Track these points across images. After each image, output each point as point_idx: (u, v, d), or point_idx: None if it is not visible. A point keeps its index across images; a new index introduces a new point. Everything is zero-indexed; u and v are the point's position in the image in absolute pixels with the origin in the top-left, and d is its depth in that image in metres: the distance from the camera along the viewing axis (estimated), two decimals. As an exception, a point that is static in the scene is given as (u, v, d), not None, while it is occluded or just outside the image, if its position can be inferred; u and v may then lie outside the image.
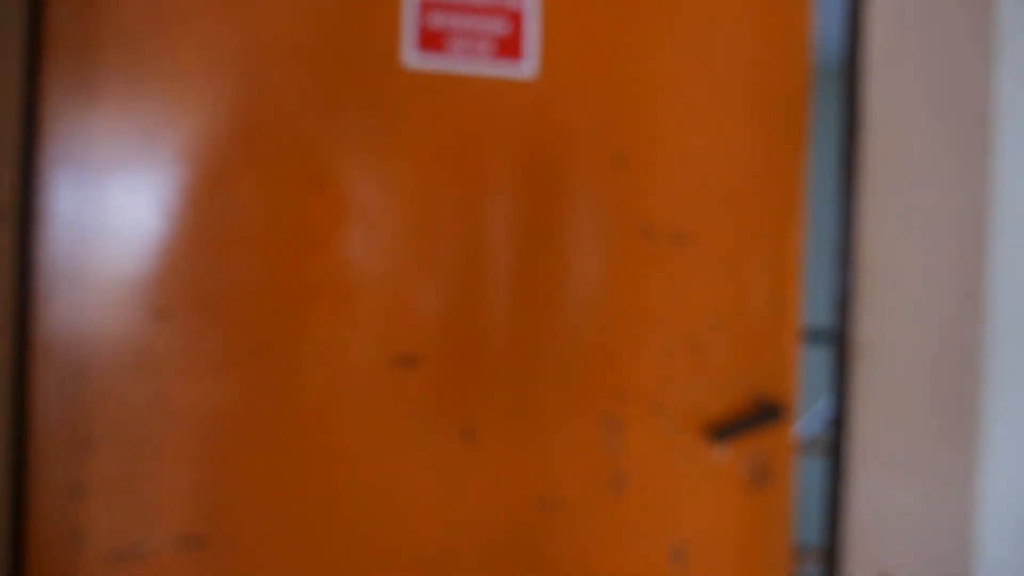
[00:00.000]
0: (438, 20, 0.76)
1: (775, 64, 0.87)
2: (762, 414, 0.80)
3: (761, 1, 0.86)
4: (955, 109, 0.90)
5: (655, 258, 0.82)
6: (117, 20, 0.70)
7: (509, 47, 0.77)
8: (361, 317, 0.75)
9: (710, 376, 0.83)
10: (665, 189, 0.82)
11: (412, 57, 0.75)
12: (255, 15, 0.72)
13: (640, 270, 0.81)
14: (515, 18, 0.77)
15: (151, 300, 0.71)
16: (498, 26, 0.77)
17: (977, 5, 0.90)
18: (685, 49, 0.83)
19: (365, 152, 0.74)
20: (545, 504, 0.79)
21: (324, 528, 0.76)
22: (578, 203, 0.79)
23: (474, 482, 0.78)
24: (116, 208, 0.71)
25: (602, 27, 0.80)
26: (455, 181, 0.76)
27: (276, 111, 0.72)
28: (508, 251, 0.77)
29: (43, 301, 0.70)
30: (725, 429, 0.81)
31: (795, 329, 0.86)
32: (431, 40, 0.75)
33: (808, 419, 1.88)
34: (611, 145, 0.80)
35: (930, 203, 0.91)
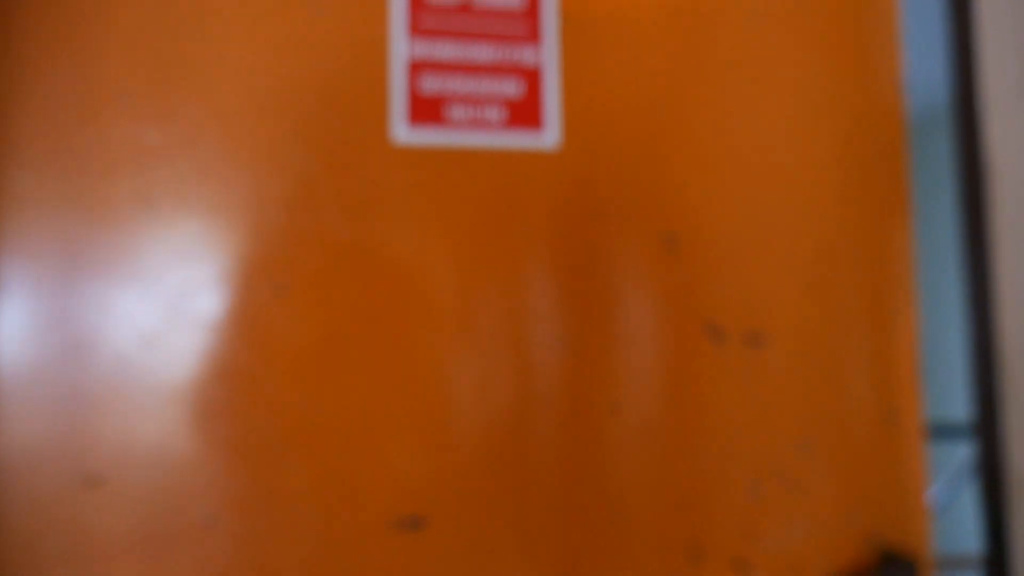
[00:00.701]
0: (432, 84, 0.60)
1: (862, 115, 0.69)
2: (888, 573, 0.60)
3: (840, 39, 0.69)
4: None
5: (726, 365, 0.63)
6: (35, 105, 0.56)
7: (525, 112, 0.61)
8: (348, 468, 0.57)
9: (809, 520, 0.63)
10: (731, 277, 0.64)
11: (402, 132, 0.59)
12: (222, 89, 0.57)
13: (707, 382, 0.62)
14: (531, 76, 0.61)
15: (79, 463, 0.55)
16: (510, 88, 0.61)
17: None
18: (748, 104, 0.65)
19: (347, 259, 0.58)
20: None
21: None
22: (623, 301, 0.62)
23: None
24: (33, 347, 0.55)
25: (640, 80, 0.63)
26: (468, 285, 0.59)
27: (238, 215, 0.57)
28: (542, 370, 0.60)
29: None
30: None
31: (919, 448, 0.66)
32: (425, 109, 0.59)
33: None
34: (660, 225, 0.62)
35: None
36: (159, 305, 0.55)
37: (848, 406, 0.66)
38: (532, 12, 0.62)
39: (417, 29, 0.60)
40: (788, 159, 0.66)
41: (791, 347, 0.65)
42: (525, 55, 0.61)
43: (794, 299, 0.65)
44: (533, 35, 0.62)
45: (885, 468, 0.66)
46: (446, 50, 0.60)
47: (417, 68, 0.60)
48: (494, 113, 0.60)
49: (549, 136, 0.61)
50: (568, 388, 0.60)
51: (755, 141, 0.66)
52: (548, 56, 0.62)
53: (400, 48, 0.60)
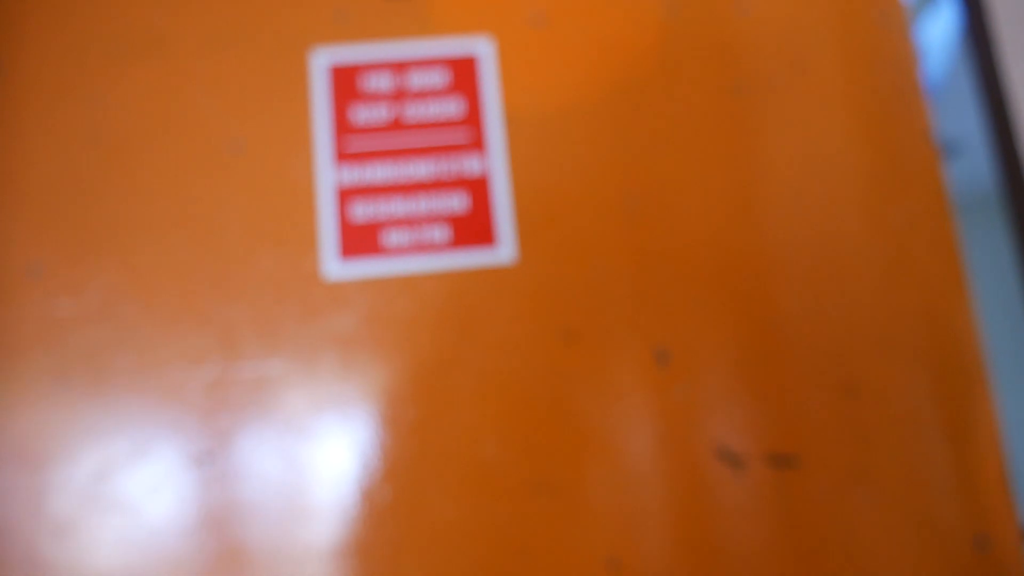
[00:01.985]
0: (364, 210, 0.54)
1: (892, 178, 0.58)
2: None
3: (853, 97, 0.59)
4: None
5: (745, 494, 0.51)
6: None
7: (473, 227, 0.54)
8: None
9: None
10: (741, 391, 0.53)
11: (333, 266, 0.53)
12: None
13: (724, 515, 0.51)
14: (477, 187, 0.55)
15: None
16: (454, 202, 0.54)
17: None
18: (741, 185, 0.56)
19: (285, 414, 0.51)
20: None
21: None
22: (612, 435, 0.52)
23: None
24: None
25: (602, 175, 0.55)
26: (425, 428, 0.51)
27: (158, 378, 0.51)
28: (519, 522, 0.50)
29: None
30: None
31: (1021, 579, 0.52)
32: (358, 239, 0.53)
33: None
34: (646, 341, 0.53)
35: None
36: (73, 490, 0.49)
37: (920, 534, 0.52)
38: (473, 118, 0.56)
39: (344, 154, 0.55)
40: (801, 244, 0.56)
41: (831, 468, 0.53)
42: (468, 165, 0.55)
43: (830, 408, 0.53)
44: (476, 142, 0.55)
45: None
46: (378, 172, 0.55)
47: (347, 195, 0.54)
48: (436, 233, 0.54)
49: (504, 250, 0.54)
50: (554, 543, 0.50)
51: (757, 230, 0.56)
52: (495, 163, 0.55)
53: (327, 177, 0.54)
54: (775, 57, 0.60)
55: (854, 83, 0.60)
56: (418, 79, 0.57)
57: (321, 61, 0.56)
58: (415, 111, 0.56)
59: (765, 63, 0.60)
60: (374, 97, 0.56)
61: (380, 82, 0.56)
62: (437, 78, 0.57)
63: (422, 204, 0.54)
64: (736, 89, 0.59)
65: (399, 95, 0.56)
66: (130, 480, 0.49)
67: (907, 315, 0.56)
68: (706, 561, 0.51)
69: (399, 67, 0.56)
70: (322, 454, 0.50)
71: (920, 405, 0.54)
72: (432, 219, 0.54)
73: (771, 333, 0.54)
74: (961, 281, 0.57)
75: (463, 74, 0.57)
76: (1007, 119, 0.77)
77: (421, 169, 0.55)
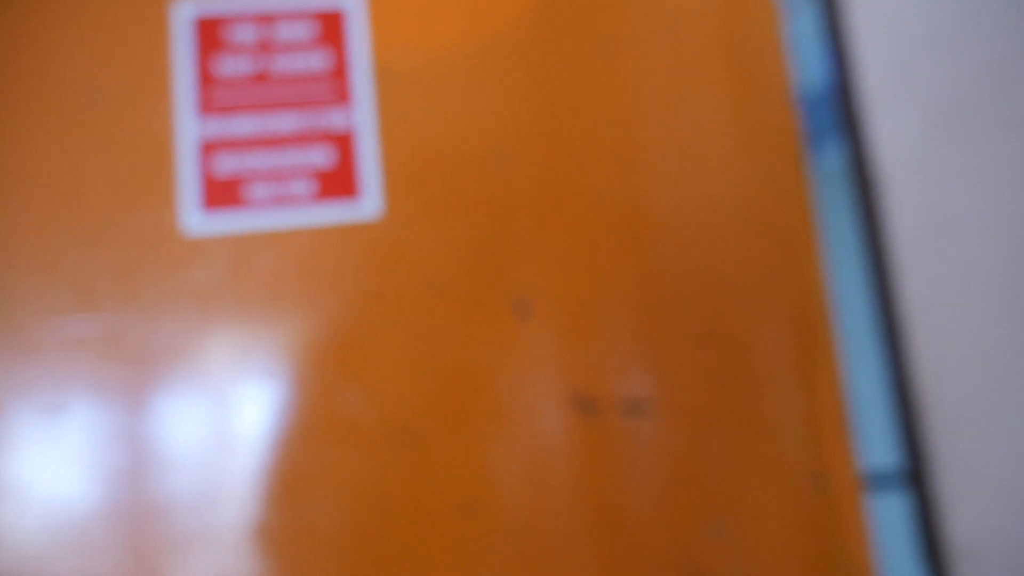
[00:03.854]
0: (228, 164, 0.54)
1: (755, 138, 0.60)
2: None
3: (720, 61, 0.61)
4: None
5: (603, 442, 0.54)
6: None
7: (337, 182, 0.54)
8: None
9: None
10: (601, 341, 0.55)
11: (195, 220, 0.53)
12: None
13: (582, 465, 0.53)
14: (342, 142, 0.55)
15: None
16: (318, 157, 0.54)
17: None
18: (611, 143, 0.58)
19: (141, 369, 0.51)
20: None
21: None
22: (472, 385, 0.53)
23: None
24: None
25: (474, 132, 0.56)
26: (287, 386, 0.52)
27: (21, 328, 0.51)
28: (378, 472, 0.52)
29: None
30: None
31: (856, 513, 0.56)
32: (221, 192, 0.53)
33: None
34: (508, 292, 0.54)
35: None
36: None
37: (764, 475, 0.56)
38: (339, 72, 0.56)
39: (207, 107, 0.54)
40: (666, 197, 0.58)
41: (685, 413, 0.55)
42: (334, 119, 0.55)
43: (685, 356, 0.56)
44: (342, 96, 0.55)
45: (817, 541, 0.55)
46: (242, 125, 0.54)
47: (210, 149, 0.54)
48: (302, 187, 0.54)
49: (368, 205, 0.54)
50: (411, 489, 0.52)
51: (624, 182, 0.58)
52: (362, 118, 0.55)
53: (189, 129, 0.54)
54: (648, 15, 0.61)
55: (721, 42, 0.62)
56: (284, 32, 0.56)
57: (185, 12, 0.55)
58: (281, 64, 0.56)
59: (639, 21, 0.61)
60: (239, 49, 0.56)
61: (245, 34, 0.56)
62: (303, 31, 0.56)
63: (287, 158, 0.54)
64: (609, 45, 0.60)
65: (265, 47, 0.56)
66: (-15, 434, 0.49)
67: (762, 268, 0.59)
68: (558, 503, 0.53)
69: (265, 19, 0.56)
70: (181, 409, 0.51)
71: (771, 354, 0.58)
72: (296, 173, 0.54)
73: (635, 283, 0.56)
74: (813, 237, 0.60)
75: (331, 27, 0.57)
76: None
77: (286, 123, 0.55)
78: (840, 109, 0.97)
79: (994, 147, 1.02)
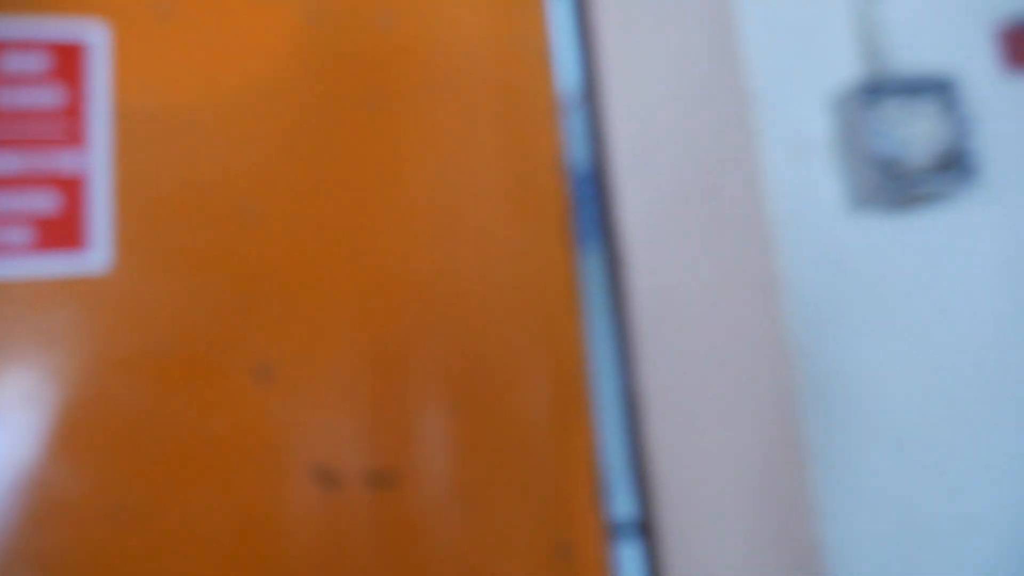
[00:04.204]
0: (-72, 205, 0.48)
1: (520, 197, 0.61)
2: None
3: (491, 119, 0.61)
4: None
5: (344, 515, 0.52)
6: None
7: (61, 231, 0.50)
8: None
9: None
10: (346, 407, 0.53)
11: None
12: None
13: (317, 536, 0.51)
14: (70, 187, 0.50)
15: None
16: (40, 202, 0.50)
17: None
18: (369, 202, 0.56)
19: None
20: None
21: None
22: (201, 456, 0.50)
23: None
24: None
25: (221, 182, 0.53)
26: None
27: None
28: (95, 552, 0.47)
29: None
30: None
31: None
32: (-83, 237, 0.47)
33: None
34: (249, 352, 0.52)
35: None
36: None
37: (510, 546, 0.55)
38: (74, 110, 0.51)
39: (-92, 139, 0.48)
40: (424, 263, 0.57)
41: (433, 484, 0.54)
42: (63, 162, 0.51)
43: (436, 425, 0.55)
44: (74, 137, 0.51)
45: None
46: (-48, 162, 0.49)
47: (-92, 187, 0.48)
48: (17, 235, 0.49)
49: (95, 257, 0.50)
50: (135, 572, 0.48)
51: (379, 244, 0.56)
52: (95, 161, 0.51)
53: None
54: (422, 72, 0.61)
55: (495, 106, 0.62)
56: (13, 62, 0.51)
57: None
58: (5, 98, 0.51)
59: (408, 80, 0.60)
60: (-46, 78, 0.50)
61: (-36, 62, 0.50)
62: (35, 63, 0.52)
63: (3, 202, 0.49)
64: (375, 102, 0.59)
65: (-14, 78, 0.51)
66: None
67: (521, 337, 0.59)
68: None
69: (-10, 47, 0.51)
70: None
71: (525, 423, 0.58)
72: (14, 220, 0.49)
73: (384, 350, 0.55)
74: (575, 309, 0.61)
75: (67, 61, 0.52)
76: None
77: (6, 163, 0.50)
78: (596, 187, 1.03)
79: (720, 234, 1.09)
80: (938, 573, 1.01)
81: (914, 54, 1.12)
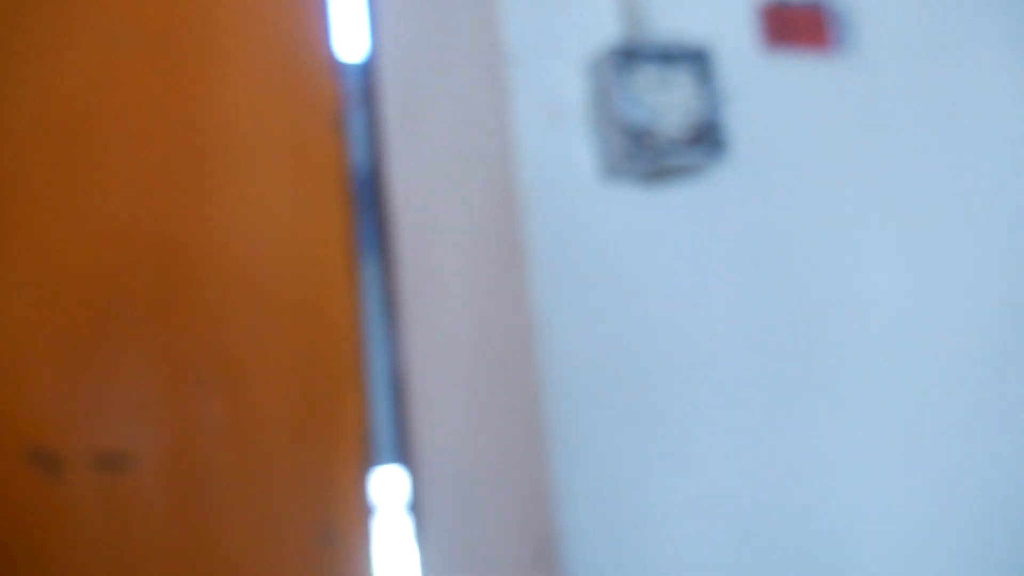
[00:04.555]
0: None
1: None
2: None
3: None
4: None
5: (66, 502, 0.40)
6: None
7: None
8: None
9: None
10: (68, 388, 0.41)
11: None
12: None
13: (39, 527, 0.39)
14: None
15: None
16: None
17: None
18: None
19: None
20: None
21: None
22: None
23: None
24: None
25: None
26: None
27: None
28: None
29: None
30: None
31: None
32: None
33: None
34: None
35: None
36: None
37: (265, 531, 0.45)
38: None
39: None
40: (160, 224, 0.45)
41: (180, 468, 0.43)
42: None
43: (183, 406, 0.44)
44: None
45: None
46: None
47: None
48: None
49: None
50: None
51: (101, 203, 0.43)
52: None
53: None
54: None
55: (275, 61, 0.51)
56: None
57: None
58: None
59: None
60: None
61: None
62: None
63: None
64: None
65: None
66: None
67: (284, 305, 0.49)
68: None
69: None
70: None
71: (285, 399, 0.48)
72: None
73: (109, 318, 0.43)
74: (351, 306, 0.52)
75: None
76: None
77: None
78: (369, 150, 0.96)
79: (471, 199, 1.03)
80: (676, 558, 0.99)
81: (673, 22, 1.09)
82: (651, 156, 0.99)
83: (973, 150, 1.23)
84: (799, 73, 1.16)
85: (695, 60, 1.04)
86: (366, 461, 0.51)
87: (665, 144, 1.01)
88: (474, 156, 1.07)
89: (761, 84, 1.14)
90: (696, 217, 1.06)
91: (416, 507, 0.96)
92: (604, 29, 1.06)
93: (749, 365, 1.05)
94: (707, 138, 1.02)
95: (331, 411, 0.49)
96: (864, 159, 1.18)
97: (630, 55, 1.01)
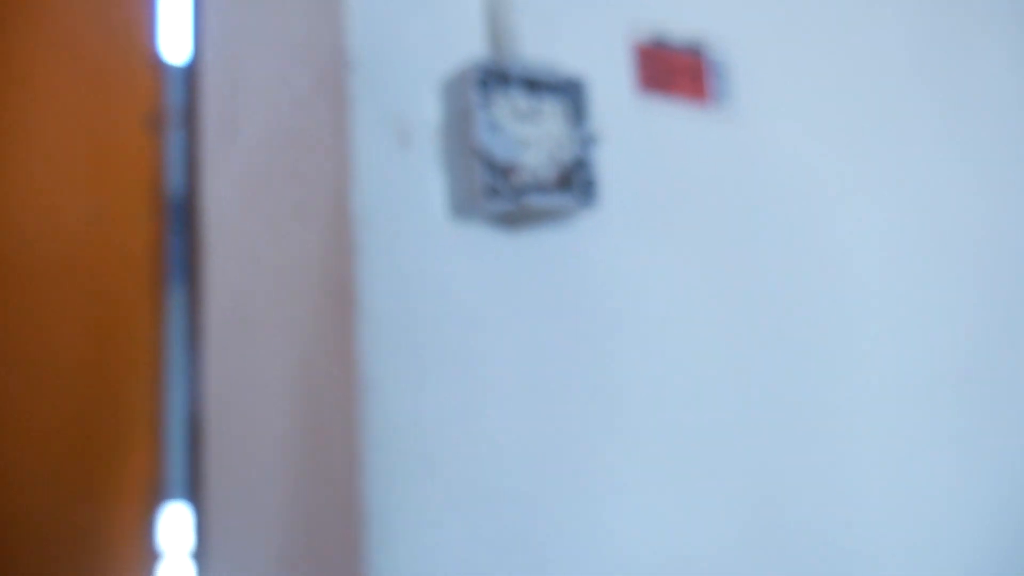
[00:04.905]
0: None
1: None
2: None
3: None
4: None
5: None
6: None
7: None
8: None
9: None
10: None
11: None
12: None
13: None
14: None
15: None
16: None
17: None
18: None
19: None
20: None
21: None
22: None
23: None
24: None
25: None
26: None
27: None
28: None
29: None
30: None
31: None
32: None
33: None
34: None
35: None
36: None
37: None
38: None
39: None
40: None
41: None
42: None
43: None
44: None
45: None
46: None
47: None
48: None
49: None
50: None
51: None
52: None
53: None
54: None
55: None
56: None
57: None
58: None
59: None
60: None
61: None
62: None
63: None
64: None
65: None
66: None
67: (71, 348, 0.30)
68: None
69: None
70: None
71: (65, 454, 0.31)
72: None
73: None
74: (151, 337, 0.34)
75: None
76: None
77: None
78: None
79: (298, 227, 0.87)
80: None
81: (543, 49, 0.97)
82: (511, 195, 0.86)
83: (847, 212, 1.18)
84: (675, 120, 1.07)
85: (569, 91, 0.92)
86: (154, 508, 0.46)
87: (528, 182, 0.87)
88: (304, 177, 0.91)
89: (634, 128, 1.03)
90: (557, 268, 0.93)
91: (201, 554, 0.89)
92: (468, 46, 0.92)
93: (605, 436, 0.92)
94: (576, 180, 0.90)
95: (120, 457, 0.36)
96: (738, 216, 1.10)
97: (496, 76, 0.88)
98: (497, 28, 0.94)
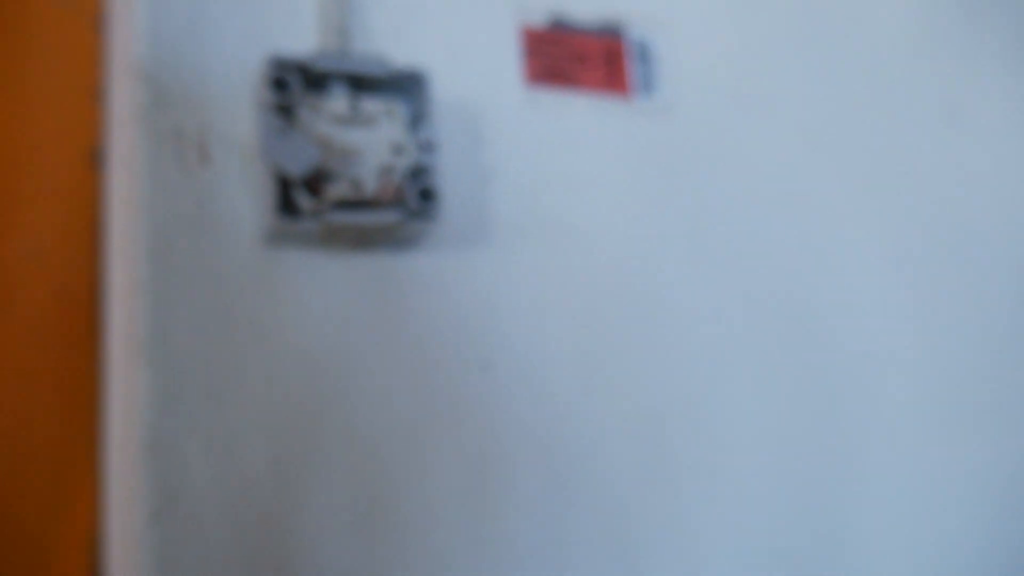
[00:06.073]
0: None
1: None
2: None
3: None
4: None
5: None
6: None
7: None
8: None
9: None
10: None
11: None
12: None
13: None
14: None
15: None
16: None
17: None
18: None
19: None
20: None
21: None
22: None
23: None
24: None
25: None
26: None
27: None
28: None
29: None
30: None
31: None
32: None
33: None
34: None
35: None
36: None
37: None
38: None
39: None
40: None
41: None
42: None
43: None
44: None
45: None
46: None
47: None
48: None
49: None
50: None
51: None
52: None
53: None
54: None
55: None
56: None
57: None
58: None
59: None
60: None
61: None
62: None
63: None
64: None
65: None
66: None
67: None
68: None
69: None
70: None
71: None
72: None
73: None
74: None
75: None
76: None
77: None
78: None
79: None
80: None
81: (410, 44, 0.83)
82: (315, 213, 0.71)
83: (781, 212, 0.97)
84: (582, 118, 0.90)
85: (407, 89, 0.78)
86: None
87: (348, 197, 0.73)
88: (115, 211, 0.80)
89: (521, 131, 0.87)
90: (392, 301, 0.78)
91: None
92: (300, 46, 0.79)
93: (455, 510, 0.75)
94: (414, 193, 0.75)
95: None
96: (669, 228, 0.91)
97: (302, 73, 0.74)
98: (331, 21, 0.80)
